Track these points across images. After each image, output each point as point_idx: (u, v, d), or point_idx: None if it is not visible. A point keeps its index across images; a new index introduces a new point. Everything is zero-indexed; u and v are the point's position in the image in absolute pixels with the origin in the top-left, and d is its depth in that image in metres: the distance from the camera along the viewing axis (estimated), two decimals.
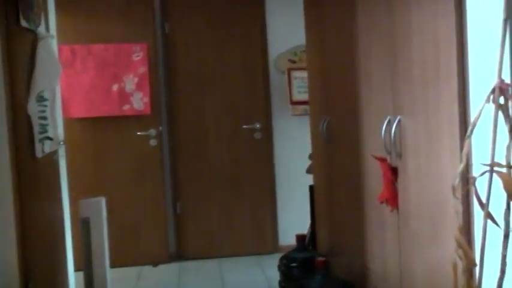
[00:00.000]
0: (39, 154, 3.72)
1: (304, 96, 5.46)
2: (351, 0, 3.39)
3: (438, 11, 2.39)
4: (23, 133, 3.54)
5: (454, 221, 2.09)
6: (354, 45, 3.42)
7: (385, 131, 2.93)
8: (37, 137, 3.69)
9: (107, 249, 4.39)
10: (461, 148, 2.01)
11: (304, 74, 5.14)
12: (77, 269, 4.66)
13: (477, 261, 1.90)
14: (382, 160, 2.99)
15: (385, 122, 2.93)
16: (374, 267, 3.34)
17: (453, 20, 2.25)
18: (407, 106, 2.76)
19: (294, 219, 5.67)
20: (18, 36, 3.56)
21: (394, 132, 2.85)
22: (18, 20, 3.54)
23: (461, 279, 1.87)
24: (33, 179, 3.70)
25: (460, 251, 1.80)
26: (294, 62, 6.03)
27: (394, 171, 2.91)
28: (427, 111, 2.56)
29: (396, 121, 2.84)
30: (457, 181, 1.82)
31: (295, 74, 5.95)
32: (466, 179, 2.03)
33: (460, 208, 1.81)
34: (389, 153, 2.93)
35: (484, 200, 1.85)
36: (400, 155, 2.85)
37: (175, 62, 5.94)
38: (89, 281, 4.35)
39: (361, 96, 3.37)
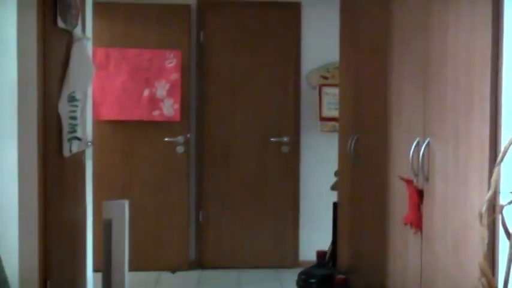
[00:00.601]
0: (66, 153, 3.76)
1: (334, 113, 5.45)
2: (387, 20, 3.38)
3: (474, 35, 2.36)
4: (52, 132, 3.58)
5: (477, 248, 2.05)
6: (388, 65, 3.40)
7: (413, 152, 2.90)
8: (66, 136, 3.73)
9: (127, 252, 4.41)
10: (490, 175, 1.98)
11: (336, 91, 5.13)
12: (95, 270, 4.68)
13: None
14: (409, 182, 2.96)
15: (414, 144, 2.90)
16: None
17: (489, 45, 2.22)
18: (438, 129, 2.73)
19: (315, 235, 5.64)
20: (54, 36, 3.61)
21: (423, 154, 2.82)
22: (55, 20, 3.59)
23: None
24: (59, 177, 3.73)
25: (484, 279, 1.76)
26: (326, 78, 6.02)
27: (420, 193, 2.88)
28: (457, 135, 2.53)
29: (425, 143, 2.81)
30: (484, 208, 1.79)
31: (327, 90, 5.93)
32: (493, 207, 2.00)
33: (485, 235, 1.78)
34: (417, 175, 2.90)
35: (510, 229, 1.82)
36: (427, 178, 2.81)
37: (207, 70, 5.97)
38: (108, 282, 4.36)
39: (392, 116, 3.35)
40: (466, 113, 2.44)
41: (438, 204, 2.72)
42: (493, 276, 1.95)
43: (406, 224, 3.00)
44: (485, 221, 1.77)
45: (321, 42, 5.90)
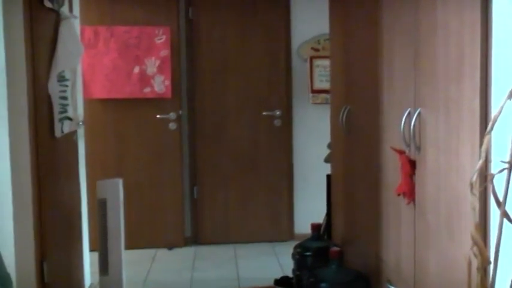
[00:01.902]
0: (58, 134, 3.75)
1: (325, 85, 5.45)
2: None
3: (463, 5, 2.35)
4: (43, 112, 3.56)
5: (470, 217, 2.06)
6: (378, 35, 3.38)
7: (404, 123, 2.90)
8: (57, 116, 3.72)
9: (122, 230, 4.42)
10: (481, 144, 1.98)
11: (327, 63, 5.12)
12: (92, 249, 4.70)
13: (492, 259, 1.88)
14: (401, 152, 2.96)
15: (405, 114, 2.90)
16: (388, 259, 3.32)
17: (478, 14, 2.21)
18: (429, 99, 2.73)
19: (310, 208, 5.66)
20: (41, 16, 3.58)
21: (414, 124, 2.82)
22: (41, 0, 3.55)
23: (475, 277, 1.85)
24: (51, 158, 3.73)
25: (475, 249, 1.77)
26: (317, 50, 6.00)
27: (412, 164, 2.88)
28: (448, 105, 2.52)
29: (416, 113, 2.81)
30: (474, 177, 1.80)
31: (318, 62, 5.92)
32: (484, 176, 2.00)
33: (477, 205, 1.79)
34: (408, 145, 2.90)
35: (501, 198, 1.82)
36: (419, 148, 2.82)
37: (197, 47, 5.94)
38: (104, 261, 4.38)
39: (383, 87, 3.34)
40: (456, 82, 2.44)
41: (430, 174, 2.72)
42: (485, 245, 1.97)
43: (398, 194, 3.01)
44: (476, 190, 1.77)
45: (311, 14, 5.87)
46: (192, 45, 5.94)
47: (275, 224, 6.04)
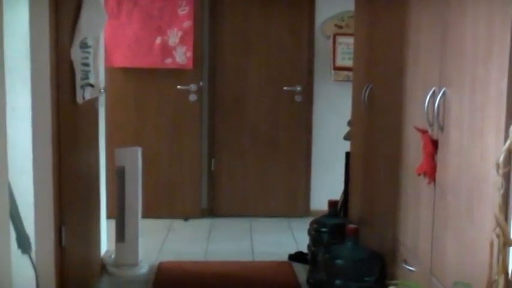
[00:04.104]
0: (80, 100, 3.76)
1: (348, 63, 5.41)
2: None
3: None
4: (65, 78, 3.57)
5: (491, 199, 2.05)
6: (405, 13, 3.34)
7: (428, 102, 2.87)
8: (79, 83, 3.72)
9: (140, 199, 4.45)
10: (507, 125, 1.96)
11: (350, 40, 5.08)
12: (109, 217, 4.73)
13: None
14: (424, 132, 2.94)
15: (430, 93, 2.87)
16: (405, 240, 3.31)
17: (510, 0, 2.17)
18: (454, 79, 2.70)
19: (327, 185, 5.66)
20: None
21: (438, 104, 2.79)
22: None
23: (496, 258, 1.84)
24: (72, 124, 3.74)
25: (498, 229, 1.76)
26: (340, 27, 5.95)
27: (435, 144, 2.86)
28: (474, 85, 2.49)
29: (441, 93, 2.78)
30: (501, 158, 1.78)
31: (341, 39, 5.87)
32: (510, 157, 1.98)
33: (502, 186, 1.77)
34: (431, 125, 2.87)
35: None
36: (442, 128, 2.79)
37: (220, 19, 5.91)
38: (121, 229, 4.42)
39: (407, 65, 3.30)
40: (484, 62, 2.41)
41: (453, 154, 2.70)
42: (507, 227, 1.95)
43: (419, 174, 2.99)
44: (501, 171, 1.75)
45: None
46: (215, 17, 5.91)
47: (291, 199, 6.04)
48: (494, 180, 1.77)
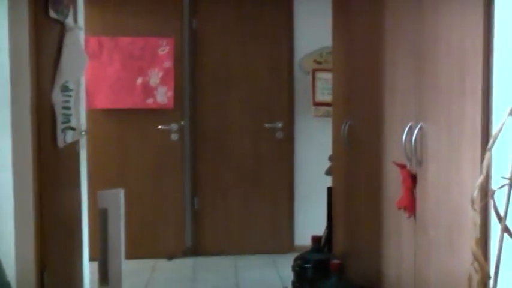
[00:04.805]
0: (61, 144, 3.76)
1: (327, 98, 5.46)
2: (379, 6, 3.38)
3: (466, 22, 2.37)
4: (46, 122, 3.57)
5: (470, 232, 2.07)
6: (380, 50, 3.40)
7: (406, 137, 2.92)
8: (59, 126, 3.73)
9: (123, 240, 4.42)
10: (482, 160, 1.99)
11: (329, 76, 5.13)
12: (92, 259, 4.69)
13: (492, 274, 1.88)
14: (402, 166, 2.97)
15: (407, 128, 2.91)
16: (389, 272, 3.32)
17: (481, 31, 2.23)
18: (430, 114, 2.74)
19: (310, 220, 5.66)
20: (46, 26, 3.60)
21: (415, 139, 2.84)
22: (47, 11, 3.57)
23: None
24: (53, 168, 3.73)
25: (476, 264, 1.78)
26: (319, 63, 6.02)
27: (414, 178, 2.89)
28: (449, 120, 2.54)
29: (418, 128, 2.83)
30: (475, 193, 1.81)
31: (320, 75, 5.93)
32: (485, 192, 2.01)
33: (477, 220, 1.80)
34: (410, 160, 2.91)
35: (502, 213, 1.83)
36: (420, 162, 2.83)
37: (201, 58, 5.96)
38: (104, 271, 4.38)
39: (385, 101, 3.35)
40: (458, 98, 2.46)
41: (431, 188, 2.73)
42: (485, 260, 1.97)
43: (400, 208, 3.02)
44: (477, 205, 1.78)
45: (313, 27, 5.89)
46: (195, 56, 5.96)
47: (276, 235, 6.03)
48: (470, 215, 1.80)
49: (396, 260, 3.20)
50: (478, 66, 2.26)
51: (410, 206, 2.91)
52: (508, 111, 1.87)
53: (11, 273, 3.03)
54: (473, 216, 1.80)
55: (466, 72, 2.38)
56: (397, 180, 3.06)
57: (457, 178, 2.46)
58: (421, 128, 2.82)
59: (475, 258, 1.77)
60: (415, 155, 2.85)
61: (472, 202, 1.79)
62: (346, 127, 4.01)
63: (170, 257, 5.84)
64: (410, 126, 2.90)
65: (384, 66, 3.37)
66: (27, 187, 3.30)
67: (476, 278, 1.85)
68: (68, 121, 3.89)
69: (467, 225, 2.21)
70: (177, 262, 5.80)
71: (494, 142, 1.84)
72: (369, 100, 3.64)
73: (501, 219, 1.83)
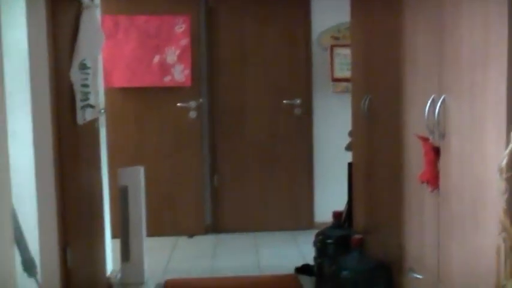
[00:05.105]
0: (80, 121, 3.77)
1: (346, 74, 5.42)
2: None
3: None
4: (65, 100, 3.58)
5: (495, 204, 2.04)
6: (401, 22, 3.35)
7: (428, 110, 2.88)
8: (79, 104, 3.73)
9: (144, 218, 4.44)
10: (508, 129, 1.96)
11: (347, 51, 5.09)
12: (113, 236, 4.72)
13: None
14: (425, 139, 2.94)
15: (429, 101, 2.87)
16: (410, 248, 3.30)
17: (506, 1, 2.18)
18: (453, 86, 2.70)
19: (331, 196, 5.64)
20: (63, 5, 3.59)
21: (438, 111, 2.80)
22: None
23: (503, 263, 1.84)
24: (74, 145, 3.75)
25: (504, 234, 1.76)
26: (337, 38, 5.97)
27: (437, 151, 2.86)
28: (473, 91, 2.50)
29: (441, 100, 2.78)
30: (504, 162, 1.78)
31: (338, 50, 5.89)
32: None
33: (505, 190, 1.77)
34: (432, 132, 2.88)
35: None
36: (443, 135, 2.79)
37: (217, 35, 5.93)
38: (126, 248, 4.41)
39: (405, 74, 3.31)
40: (482, 69, 2.41)
41: (455, 161, 2.70)
42: None
43: (422, 182, 2.99)
44: (505, 175, 1.75)
45: (331, 2, 5.83)
46: (212, 33, 5.93)
47: (295, 212, 6.03)
48: (498, 185, 1.77)
49: (418, 235, 3.18)
50: (503, 36, 2.21)
51: (433, 179, 2.88)
52: None
53: (35, 249, 3.05)
54: (500, 186, 1.77)
55: (490, 43, 2.34)
56: (419, 154, 3.03)
57: (481, 150, 2.42)
58: (443, 100, 2.78)
59: (503, 229, 1.75)
60: (438, 127, 2.81)
61: (501, 171, 1.76)
62: (367, 102, 3.98)
63: (190, 234, 5.87)
64: (433, 99, 2.86)
65: (404, 38, 3.32)
66: (48, 165, 3.31)
67: (504, 248, 1.83)
68: (87, 99, 3.89)
69: (492, 199, 2.18)
70: (198, 239, 5.82)
71: None
72: (389, 74, 3.60)
73: None
